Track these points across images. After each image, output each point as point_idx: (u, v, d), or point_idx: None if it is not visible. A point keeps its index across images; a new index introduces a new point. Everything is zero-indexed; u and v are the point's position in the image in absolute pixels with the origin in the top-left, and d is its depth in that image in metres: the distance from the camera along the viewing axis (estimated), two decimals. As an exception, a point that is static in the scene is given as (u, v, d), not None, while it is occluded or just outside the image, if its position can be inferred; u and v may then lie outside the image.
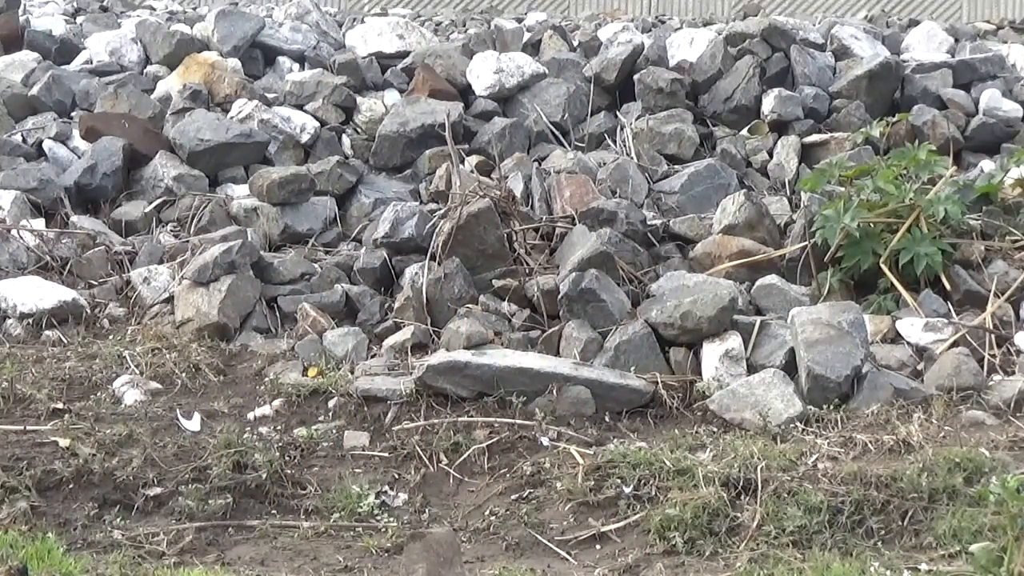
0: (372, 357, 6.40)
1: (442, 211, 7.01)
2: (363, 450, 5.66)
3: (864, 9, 13.27)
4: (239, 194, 7.81)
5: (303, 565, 4.92)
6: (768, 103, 8.59)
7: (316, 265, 7.16)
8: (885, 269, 6.69)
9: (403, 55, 9.31)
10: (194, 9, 11.46)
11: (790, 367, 6.02)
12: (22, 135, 8.42)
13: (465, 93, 8.80)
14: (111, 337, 6.55)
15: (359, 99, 8.70)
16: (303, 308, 6.66)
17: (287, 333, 6.63)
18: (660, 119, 8.48)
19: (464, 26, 10.91)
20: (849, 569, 4.58)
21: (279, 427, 5.75)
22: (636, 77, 8.77)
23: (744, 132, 8.57)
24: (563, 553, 5.03)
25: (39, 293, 6.76)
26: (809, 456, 5.32)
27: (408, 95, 8.74)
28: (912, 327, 6.39)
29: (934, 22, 10.67)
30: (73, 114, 8.66)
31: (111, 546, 4.96)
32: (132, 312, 6.85)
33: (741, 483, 5.13)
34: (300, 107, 8.60)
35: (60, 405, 5.80)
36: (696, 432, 5.66)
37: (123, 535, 5.04)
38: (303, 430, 5.69)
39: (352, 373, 6.13)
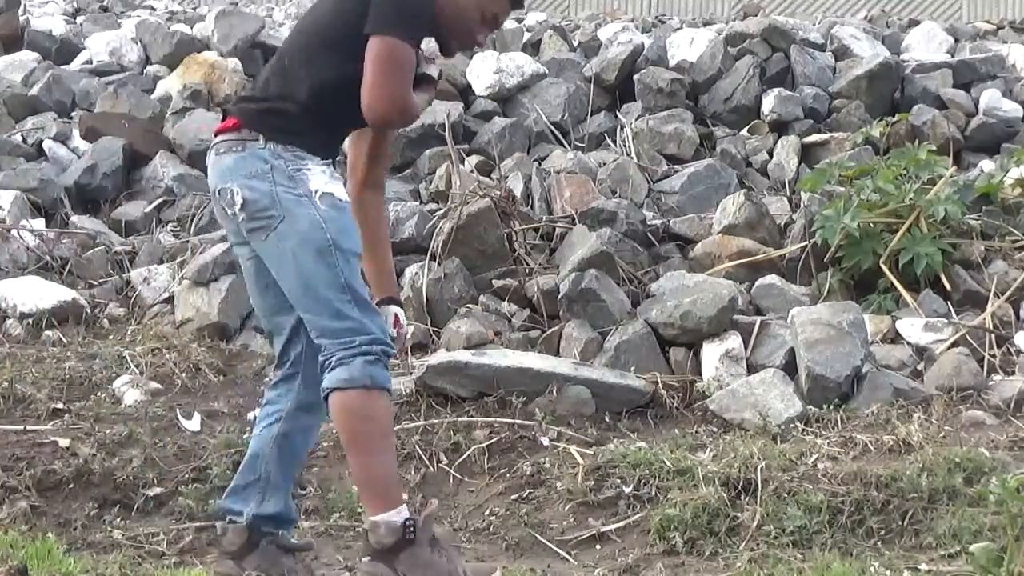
0: (372, 357, 6.38)
1: (442, 211, 7.01)
2: (363, 450, 5.65)
3: (864, 9, 13.28)
4: (239, 194, 7.79)
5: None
6: (768, 103, 8.60)
7: (316, 265, 7.15)
8: (885, 269, 6.69)
9: (403, 55, 9.30)
10: (194, 9, 11.46)
11: (790, 367, 6.02)
12: (22, 135, 8.42)
13: (465, 93, 8.80)
14: (111, 337, 6.55)
15: (359, 99, 8.69)
16: (303, 308, 6.65)
17: (287, 333, 6.61)
18: (660, 119, 8.49)
19: (464, 26, 10.89)
20: (849, 569, 4.57)
21: (279, 427, 5.73)
22: (636, 77, 8.77)
23: (744, 132, 8.58)
24: (563, 553, 5.02)
25: (39, 293, 6.76)
26: (809, 456, 5.32)
27: (408, 95, 8.73)
28: (912, 327, 6.39)
29: (934, 22, 10.68)
30: (73, 114, 8.66)
31: (111, 546, 4.95)
32: (132, 312, 6.84)
33: (741, 483, 5.12)
34: (300, 107, 8.59)
35: (60, 405, 5.79)
36: (696, 432, 5.66)
37: (123, 535, 5.03)
38: (303, 430, 5.68)
39: (352, 373, 6.11)
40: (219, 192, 4.04)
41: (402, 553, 3.91)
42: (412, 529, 3.92)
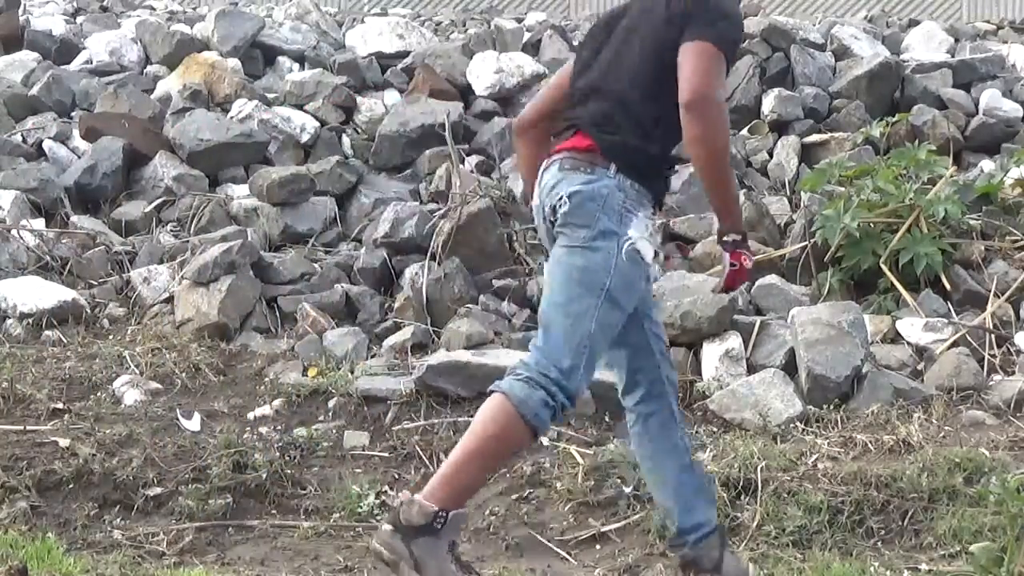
0: (372, 357, 6.39)
1: (442, 211, 7.01)
2: (363, 450, 5.65)
3: (864, 9, 13.28)
4: (239, 194, 7.80)
5: (303, 565, 4.92)
6: (768, 103, 8.60)
7: (316, 265, 7.16)
8: (885, 269, 6.69)
9: (403, 55, 9.31)
10: (194, 9, 11.45)
11: (790, 367, 6.02)
12: (22, 135, 8.41)
13: (465, 93, 8.80)
14: (111, 337, 6.55)
15: (359, 99, 8.70)
16: (303, 308, 6.66)
17: (287, 333, 6.63)
18: (660, 119, 8.47)
19: (464, 26, 10.91)
20: (849, 569, 4.58)
21: (279, 427, 5.74)
22: (636, 77, 8.76)
23: (744, 132, 8.57)
24: (563, 553, 5.02)
25: (39, 293, 6.76)
26: (809, 456, 5.32)
27: (408, 95, 8.74)
28: (912, 327, 6.39)
29: (934, 22, 10.69)
30: (73, 114, 8.65)
31: (111, 546, 4.96)
32: (132, 312, 6.84)
33: (741, 483, 5.13)
34: (300, 107, 8.60)
35: (60, 405, 5.79)
36: (696, 432, 5.66)
37: (123, 535, 5.03)
38: (303, 430, 5.68)
39: (352, 373, 6.12)
40: (556, 203, 4.06)
41: (422, 538, 3.92)
42: (442, 520, 3.92)
